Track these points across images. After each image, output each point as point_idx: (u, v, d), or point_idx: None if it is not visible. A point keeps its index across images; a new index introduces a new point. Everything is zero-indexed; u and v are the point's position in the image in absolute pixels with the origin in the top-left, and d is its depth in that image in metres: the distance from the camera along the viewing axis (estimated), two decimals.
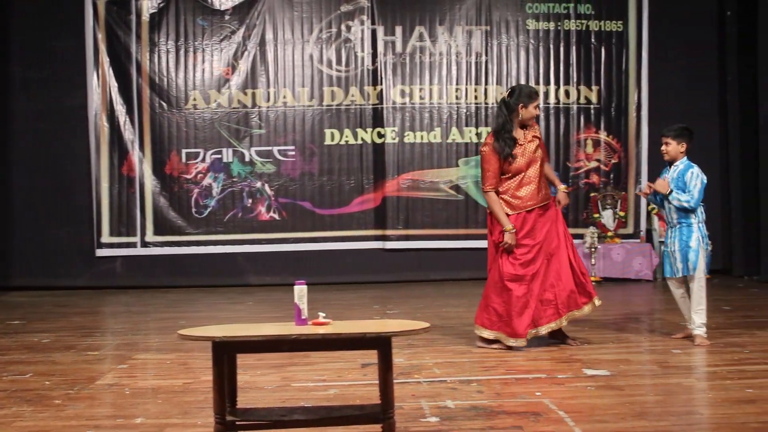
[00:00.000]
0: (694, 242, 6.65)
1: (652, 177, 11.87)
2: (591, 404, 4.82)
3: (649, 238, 11.99)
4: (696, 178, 6.66)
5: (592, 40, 12.05)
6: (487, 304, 6.59)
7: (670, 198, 6.69)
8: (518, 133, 6.61)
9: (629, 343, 6.88)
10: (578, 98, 12.02)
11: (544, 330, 6.56)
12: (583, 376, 5.57)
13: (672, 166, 6.82)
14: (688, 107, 11.92)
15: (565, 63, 12.03)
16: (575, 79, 12.03)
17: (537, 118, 6.75)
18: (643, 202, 12.02)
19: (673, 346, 6.60)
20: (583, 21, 12.03)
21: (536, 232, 6.55)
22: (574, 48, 12.03)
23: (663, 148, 6.84)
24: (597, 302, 6.68)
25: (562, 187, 6.79)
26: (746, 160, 11.66)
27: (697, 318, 6.64)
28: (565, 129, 11.98)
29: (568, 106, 12.01)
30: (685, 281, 6.79)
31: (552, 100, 11.92)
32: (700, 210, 6.72)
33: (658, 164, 11.58)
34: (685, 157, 6.81)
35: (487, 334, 6.57)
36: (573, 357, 6.22)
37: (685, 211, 6.68)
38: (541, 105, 11.73)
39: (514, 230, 6.45)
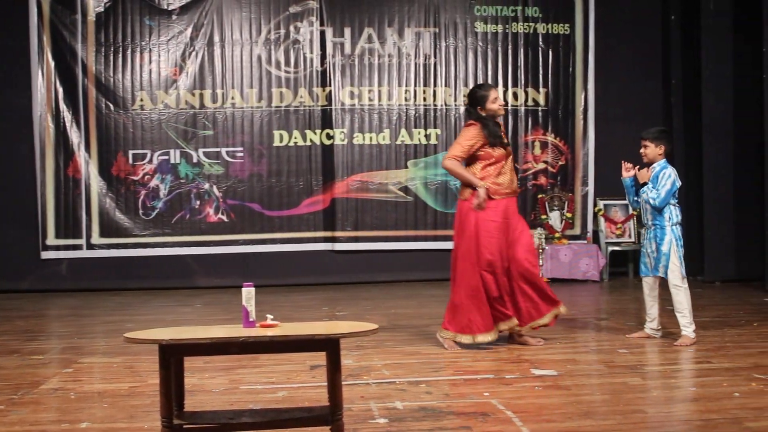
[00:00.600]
0: (666, 245, 6.74)
1: (599, 178, 12.09)
2: (538, 404, 4.86)
3: (595, 239, 12.12)
4: (667, 178, 6.74)
5: (540, 42, 12.16)
6: (457, 304, 6.61)
7: (641, 190, 6.80)
8: None
9: (576, 343, 6.95)
10: (526, 100, 12.12)
11: (503, 326, 6.60)
12: (530, 376, 5.61)
13: (650, 168, 6.91)
14: (633, 109, 12.13)
15: (513, 65, 12.12)
16: (523, 82, 12.13)
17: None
18: (590, 203, 12.16)
19: (620, 345, 6.69)
20: (530, 24, 12.14)
21: (510, 226, 6.63)
22: (521, 50, 12.13)
23: (642, 150, 6.92)
24: (563, 309, 6.76)
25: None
26: (690, 160, 11.83)
27: (682, 319, 6.73)
28: (513, 131, 12.07)
29: (516, 108, 12.10)
30: (659, 282, 6.88)
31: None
32: (675, 212, 6.80)
33: (605, 166, 11.81)
34: (664, 160, 6.89)
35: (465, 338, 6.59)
36: (521, 357, 6.27)
37: (656, 211, 6.77)
38: None
39: (486, 186, 6.49)
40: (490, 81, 11.96)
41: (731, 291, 10.36)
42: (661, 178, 6.75)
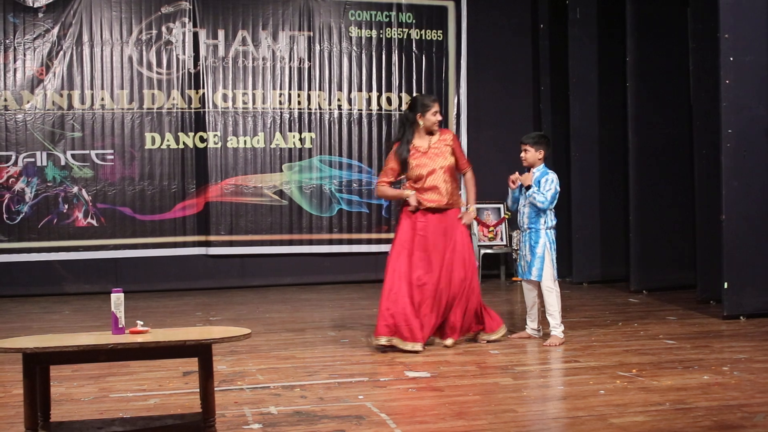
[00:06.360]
0: (540, 248, 6.91)
1: None
2: (412, 406, 4.91)
3: None
4: (551, 183, 6.93)
5: (413, 48, 12.29)
6: (383, 309, 6.69)
7: (528, 193, 6.93)
8: (422, 141, 6.89)
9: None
10: (400, 105, 12.23)
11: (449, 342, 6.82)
12: (404, 378, 5.67)
13: (530, 171, 7.05)
14: (504, 114, 12.42)
15: (387, 70, 12.21)
16: (397, 86, 12.24)
17: (439, 124, 6.95)
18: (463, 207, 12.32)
19: (492, 347, 6.81)
20: (404, 29, 12.26)
21: (433, 238, 6.80)
22: (395, 55, 12.24)
23: (522, 155, 7.06)
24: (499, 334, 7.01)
25: (471, 208, 7.09)
26: (558, 166, 12.11)
27: (552, 320, 6.91)
28: (387, 136, 12.14)
29: (390, 113, 12.20)
30: (538, 284, 7.03)
31: (374, 107, 12.07)
32: (551, 216, 6.98)
33: (477, 170, 11.94)
34: (543, 164, 7.05)
35: (384, 341, 6.64)
36: (395, 360, 6.32)
37: (536, 213, 6.91)
38: (364, 112, 11.93)
39: (414, 192, 6.79)
40: (364, 86, 12.04)
41: (598, 292, 10.66)
42: (544, 183, 6.93)
